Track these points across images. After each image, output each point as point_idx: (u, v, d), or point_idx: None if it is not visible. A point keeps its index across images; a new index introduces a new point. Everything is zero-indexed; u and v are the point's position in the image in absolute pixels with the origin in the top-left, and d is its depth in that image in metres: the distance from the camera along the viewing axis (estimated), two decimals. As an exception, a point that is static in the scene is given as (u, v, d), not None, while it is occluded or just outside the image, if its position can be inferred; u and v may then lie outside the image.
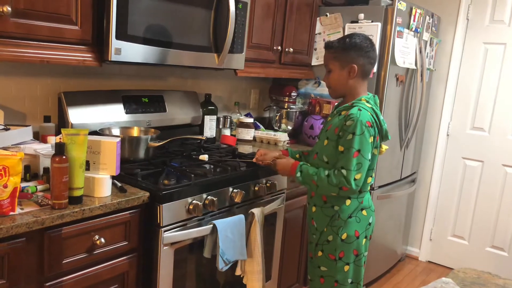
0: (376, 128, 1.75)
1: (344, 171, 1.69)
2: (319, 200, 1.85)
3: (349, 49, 1.77)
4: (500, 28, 3.21)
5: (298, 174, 1.79)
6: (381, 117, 1.80)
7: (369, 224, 1.86)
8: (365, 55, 1.78)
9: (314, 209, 1.87)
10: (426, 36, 3.06)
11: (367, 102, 1.78)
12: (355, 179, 1.69)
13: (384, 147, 1.90)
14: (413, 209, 3.65)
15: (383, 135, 1.82)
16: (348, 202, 1.80)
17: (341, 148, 1.72)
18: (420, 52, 2.98)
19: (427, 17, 3.03)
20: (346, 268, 1.84)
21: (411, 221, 3.67)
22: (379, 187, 2.91)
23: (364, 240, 1.85)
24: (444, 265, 3.60)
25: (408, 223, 3.60)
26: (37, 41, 1.55)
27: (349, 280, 1.86)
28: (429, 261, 3.68)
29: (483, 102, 3.33)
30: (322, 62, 2.88)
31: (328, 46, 1.83)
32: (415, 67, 2.97)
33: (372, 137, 1.72)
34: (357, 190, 1.73)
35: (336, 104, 2.00)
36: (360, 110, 1.71)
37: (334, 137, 1.75)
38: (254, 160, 2.02)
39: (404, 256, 3.69)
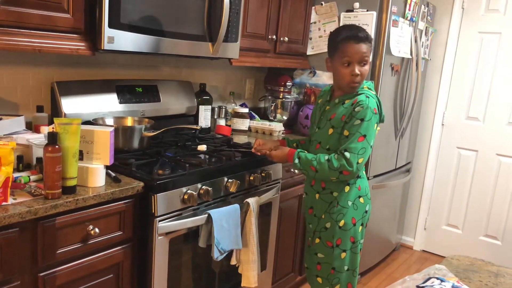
0: (379, 115, 1.77)
1: (347, 154, 1.69)
2: (319, 187, 1.86)
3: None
4: (495, 17, 3.20)
5: (296, 161, 1.79)
6: (382, 103, 1.82)
7: (366, 211, 1.87)
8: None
9: (317, 196, 1.88)
10: (421, 25, 3.05)
11: (370, 89, 1.80)
12: (358, 163, 1.70)
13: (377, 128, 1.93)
14: (408, 198, 3.67)
15: (380, 120, 1.83)
16: (347, 188, 1.81)
17: (346, 133, 1.73)
18: (416, 41, 2.97)
19: (423, 6, 3.01)
20: (343, 255, 1.85)
21: (406, 211, 3.69)
22: (374, 176, 2.92)
23: (361, 227, 1.86)
24: (438, 254, 3.63)
25: (403, 212, 3.62)
26: (28, 29, 1.53)
27: (346, 267, 1.87)
28: (423, 250, 3.71)
29: (478, 91, 3.33)
30: (317, 52, 2.90)
31: (369, 39, 1.76)
32: (410, 57, 2.96)
33: (376, 124, 1.75)
34: (356, 175, 1.73)
35: (322, 90, 1.99)
36: (368, 97, 1.73)
37: (340, 124, 1.76)
38: (253, 150, 2.01)
39: (399, 245, 3.72)
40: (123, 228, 1.58)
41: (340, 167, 1.70)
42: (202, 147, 2.05)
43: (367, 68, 1.79)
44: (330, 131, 1.79)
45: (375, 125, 1.74)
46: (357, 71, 1.73)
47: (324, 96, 1.94)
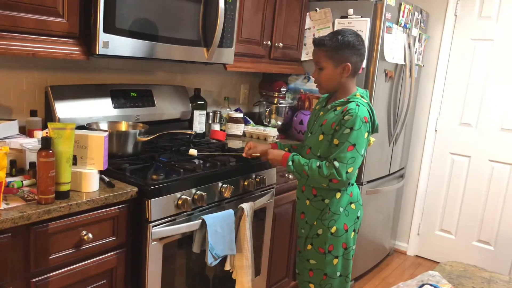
0: (370, 124, 1.76)
1: (336, 163, 1.69)
2: (310, 194, 1.86)
3: (342, 48, 1.75)
4: (487, 24, 3.24)
5: (290, 163, 1.79)
6: (374, 112, 1.81)
7: (357, 217, 1.88)
8: (358, 52, 1.78)
9: (308, 202, 1.88)
10: (415, 32, 3.08)
11: (362, 97, 1.79)
12: (347, 172, 1.70)
13: (372, 139, 1.92)
14: (401, 204, 3.68)
15: (373, 129, 1.83)
16: (338, 195, 1.81)
17: (336, 142, 1.73)
18: (409, 47, 2.99)
19: (416, 13, 3.04)
20: (335, 261, 1.85)
21: (399, 216, 3.70)
22: (368, 182, 2.93)
23: (353, 233, 1.87)
24: (431, 259, 3.64)
25: (397, 218, 3.63)
26: (22, 34, 1.52)
27: (338, 273, 1.88)
28: (417, 256, 3.72)
29: (470, 98, 3.36)
30: (311, 58, 2.91)
31: (320, 43, 1.78)
32: (404, 63, 2.99)
33: (367, 133, 1.73)
34: (347, 183, 1.74)
35: (321, 97, 2.00)
36: (358, 105, 1.73)
37: (330, 131, 1.76)
38: (244, 154, 2.01)
39: (392, 250, 3.73)
40: (116, 234, 1.57)
41: (330, 175, 1.70)
42: (193, 152, 2.03)
43: (323, 73, 1.80)
44: (321, 137, 1.80)
45: (366, 133, 1.73)
46: (312, 75, 1.87)
47: (321, 102, 1.96)
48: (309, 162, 1.76)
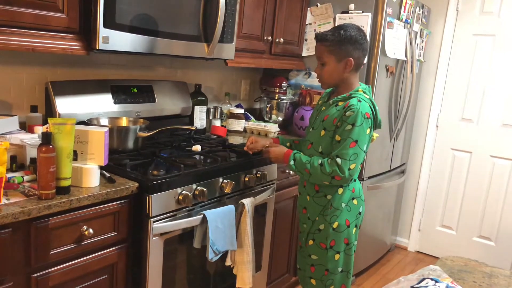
0: (372, 119, 1.75)
1: (339, 160, 1.69)
2: (311, 190, 1.85)
3: (345, 42, 1.74)
4: (489, 20, 3.22)
5: (292, 162, 1.79)
6: (377, 108, 1.80)
7: (359, 213, 1.88)
8: (360, 47, 1.77)
9: (308, 198, 1.87)
10: (416, 27, 3.07)
11: (364, 93, 1.78)
12: (349, 169, 1.69)
13: (375, 135, 1.91)
14: (402, 199, 3.68)
15: (376, 125, 1.83)
16: (340, 191, 1.81)
17: (338, 138, 1.72)
18: (410, 43, 2.98)
19: (417, 8, 3.03)
20: (337, 256, 1.85)
21: (400, 212, 3.70)
22: (369, 177, 2.92)
23: (354, 229, 1.86)
24: (432, 255, 3.64)
25: (397, 213, 3.63)
26: (22, 29, 1.52)
27: (339, 269, 1.88)
28: (418, 251, 3.72)
29: (472, 93, 3.35)
30: (313, 53, 2.90)
31: (322, 38, 1.78)
32: (405, 58, 2.98)
33: (369, 129, 1.73)
34: (349, 180, 1.73)
35: (324, 92, 1.99)
36: (360, 101, 1.72)
37: (332, 127, 1.75)
38: (245, 148, 2.01)
39: (393, 246, 3.73)
40: (117, 229, 1.57)
41: (332, 173, 1.70)
42: (197, 148, 2.04)
43: (326, 69, 1.80)
44: (322, 132, 1.79)
45: (368, 129, 1.72)
46: (314, 71, 1.87)
47: (324, 97, 1.95)
48: (311, 160, 1.75)
